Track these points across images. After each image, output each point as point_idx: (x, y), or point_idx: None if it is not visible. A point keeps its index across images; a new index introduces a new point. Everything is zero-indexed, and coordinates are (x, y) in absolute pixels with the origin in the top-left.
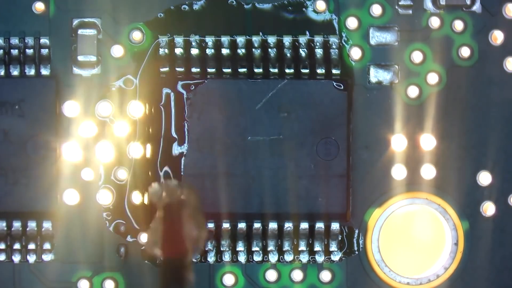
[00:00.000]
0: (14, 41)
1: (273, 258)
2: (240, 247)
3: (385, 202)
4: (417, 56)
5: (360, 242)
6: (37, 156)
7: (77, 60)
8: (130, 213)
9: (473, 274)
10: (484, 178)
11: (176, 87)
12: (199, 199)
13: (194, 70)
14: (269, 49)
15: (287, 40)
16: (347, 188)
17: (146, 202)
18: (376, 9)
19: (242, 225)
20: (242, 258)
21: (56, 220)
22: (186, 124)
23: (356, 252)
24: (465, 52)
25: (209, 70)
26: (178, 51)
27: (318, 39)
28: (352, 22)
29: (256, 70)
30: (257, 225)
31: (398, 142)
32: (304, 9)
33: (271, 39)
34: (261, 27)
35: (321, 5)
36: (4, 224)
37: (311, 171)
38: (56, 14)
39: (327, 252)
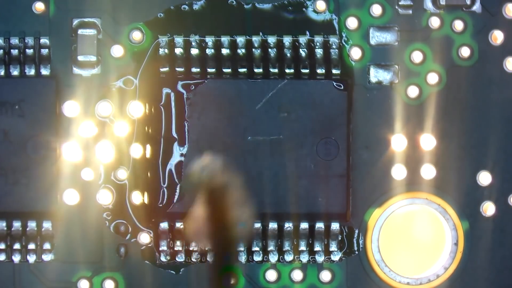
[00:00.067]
0: (14, 41)
1: (273, 258)
2: (240, 247)
3: (385, 202)
4: (417, 56)
5: (360, 242)
6: (37, 156)
7: (77, 60)
8: (130, 213)
9: (473, 274)
10: (484, 178)
11: (176, 87)
12: (241, 180)
13: (194, 70)
14: (269, 49)
15: (287, 40)
16: (347, 188)
17: (146, 202)
18: (376, 9)
19: (242, 225)
20: (242, 258)
21: (56, 220)
22: (186, 124)
23: (356, 252)
24: (465, 52)
25: (209, 70)
26: (178, 51)
27: (318, 39)
28: (352, 22)
29: (256, 70)
30: (257, 225)
31: (398, 142)
32: (304, 9)
33: (271, 39)
34: (261, 27)
35: (321, 5)
36: (4, 224)
37: (311, 171)
38: (56, 14)
39: (327, 252)
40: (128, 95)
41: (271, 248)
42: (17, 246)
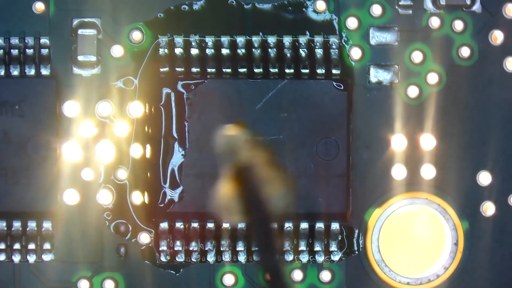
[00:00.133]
0: (14, 41)
1: None
2: (240, 247)
3: (385, 202)
4: (417, 56)
5: (360, 242)
6: (37, 156)
7: (77, 60)
8: (130, 213)
9: (473, 274)
10: (484, 178)
11: (176, 87)
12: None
13: (194, 70)
14: (269, 49)
15: (287, 40)
16: (347, 188)
17: (146, 202)
18: (376, 9)
19: (242, 225)
20: (242, 258)
21: (56, 220)
22: (186, 124)
23: (356, 252)
24: (465, 52)
25: (209, 70)
26: (178, 51)
27: (318, 39)
28: (352, 22)
29: (256, 70)
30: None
31: (398, 142)
32: (304, 9)
33: (271, 39)
34: (261, 27)
35: (321, 5)
36: (4, 224)
37: (311, 171)
38: (56, 14)
39: (327, 252)
40: (128, 95)
41: None
42: (17, 246)
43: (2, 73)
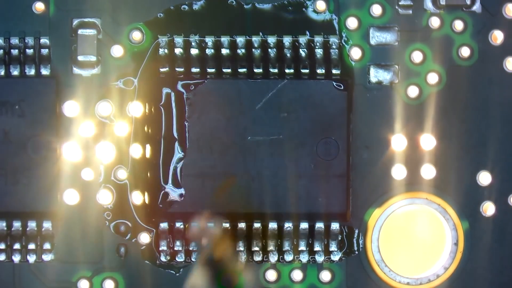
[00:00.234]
0: (14, 41)
1: (273, 258)
2: (240, 247)
3: (385, 202)
4: (417, 56)
5: (360, 242)
6: (37, 156)
7: (77, 60)
8: (130, 213)
9: (473, 274)
10: (484, 178)
11: (176, 87)
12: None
13: (194, 70)
14: (269, 49)
15: (287, 40)
16: (347, 188)
17: (146, 201)
18: (376, 9)
19: (242, 225)
20: (242, 258)
21: (56, 220)
22: (186, 124)
23: (356, 252)
24: (465, 52)
25: (209, 70)
26: (178, 51)
27: (318, 39)
28: (352, 22)
29: (256, 70)
30: (257, 225)
31: (398, 142)
32: (304, 9)
33: (271, 39)
34: (261, 27)
35: (321, 5)
36: (4, 224)
37: (311, 171)
38: (56, 14)
39: (327, 252)
40: (128, 95)
41: (271, 248)
42: (17, 246)
43: (2, 73)
